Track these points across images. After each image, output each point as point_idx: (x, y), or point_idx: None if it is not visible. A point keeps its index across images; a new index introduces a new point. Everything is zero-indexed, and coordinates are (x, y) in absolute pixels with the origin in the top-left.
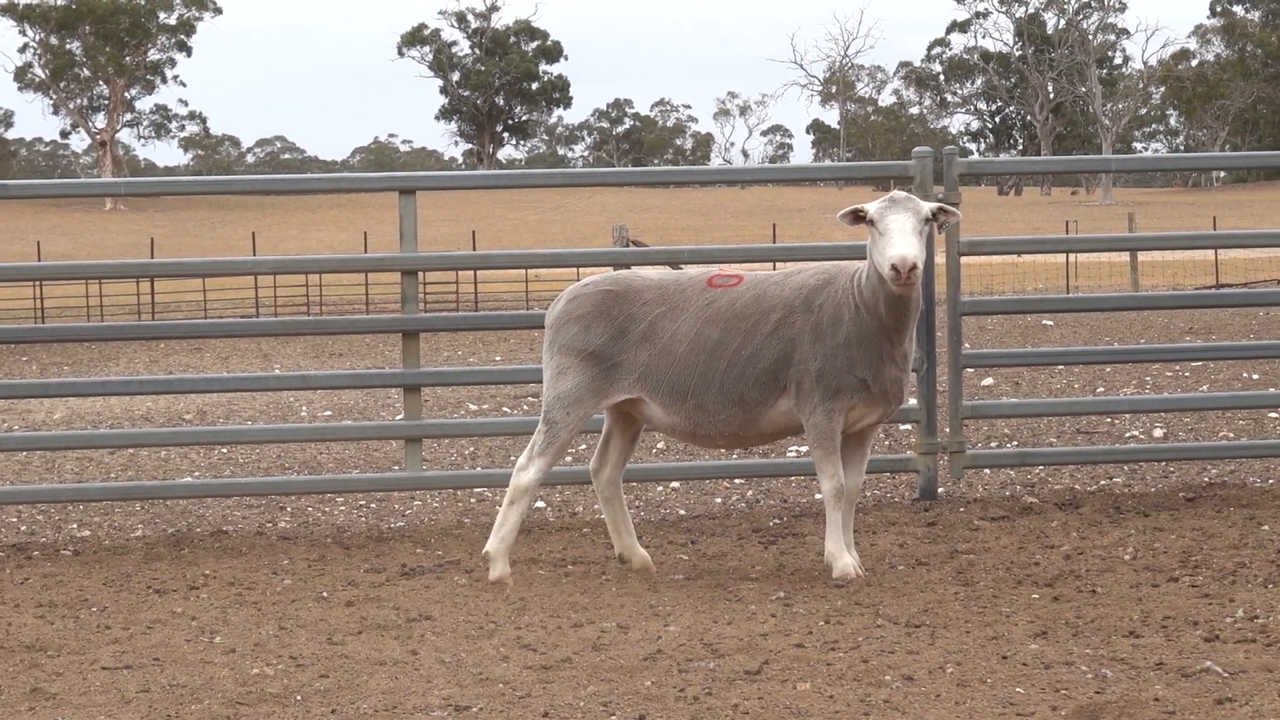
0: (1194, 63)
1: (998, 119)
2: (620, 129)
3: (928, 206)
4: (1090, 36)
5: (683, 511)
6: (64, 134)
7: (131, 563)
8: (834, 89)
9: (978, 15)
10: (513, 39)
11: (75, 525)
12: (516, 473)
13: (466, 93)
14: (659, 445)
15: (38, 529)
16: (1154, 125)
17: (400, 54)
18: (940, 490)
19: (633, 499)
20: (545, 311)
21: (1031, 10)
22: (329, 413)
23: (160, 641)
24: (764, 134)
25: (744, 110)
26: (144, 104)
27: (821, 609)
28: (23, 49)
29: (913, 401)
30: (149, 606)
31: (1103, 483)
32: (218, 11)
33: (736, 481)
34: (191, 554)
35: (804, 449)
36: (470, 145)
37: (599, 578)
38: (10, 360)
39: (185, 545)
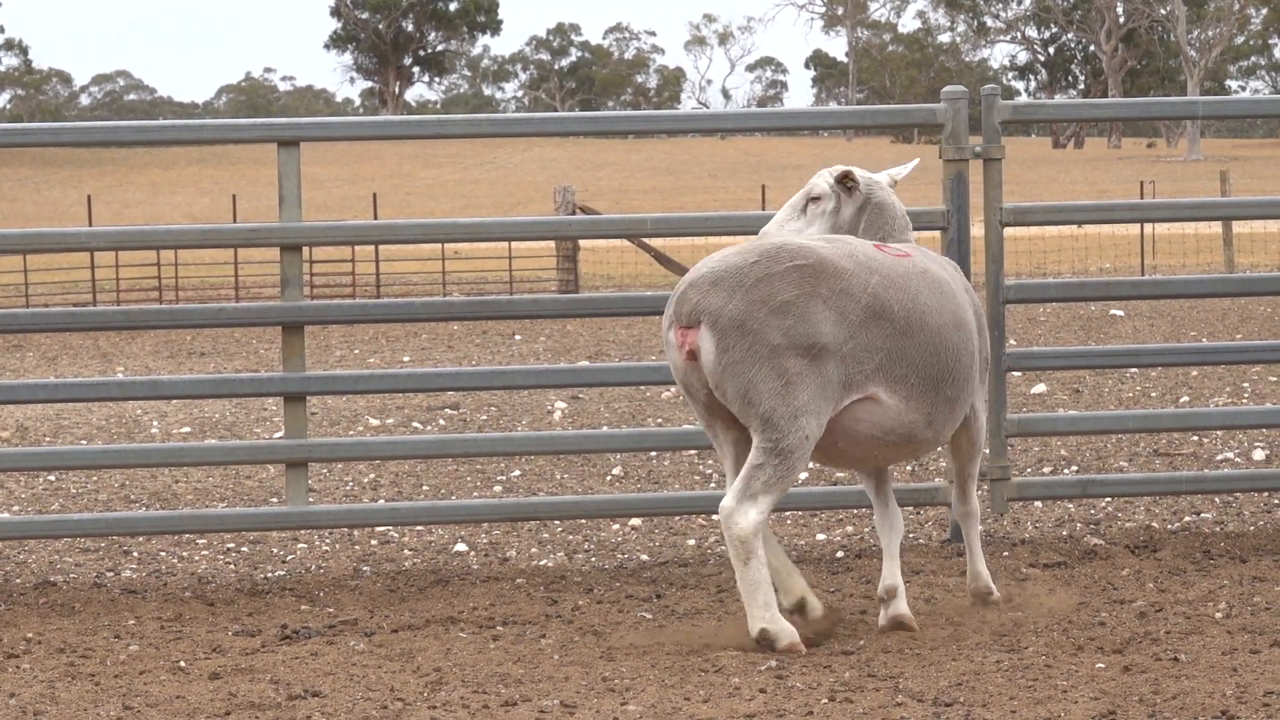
0: None
1: (1051, 50)
2: (564, 62)
3: (821, 181)
4: None
5: (645, 557)
6: None
7: None
8: (841, 11)
9: None
10: None
11: None
12: (730, 522)
13: (365, 15)
14: (614, 471)
15: None
16: (1253, 58)
17: None
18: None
19: (579, 540)
20: (468, 299)
21: None
22: (187, 429)
23: None
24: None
25: (724, 38)
26: None
27: (824, 682)
28: None
29: None
30: None
31: (1187, 519)
32: None
33: (714, 518)
34: (10, 611)
35: (802, 477)
36: (370, 83)
37: (536, 641)
38: None
39: (2, 600)
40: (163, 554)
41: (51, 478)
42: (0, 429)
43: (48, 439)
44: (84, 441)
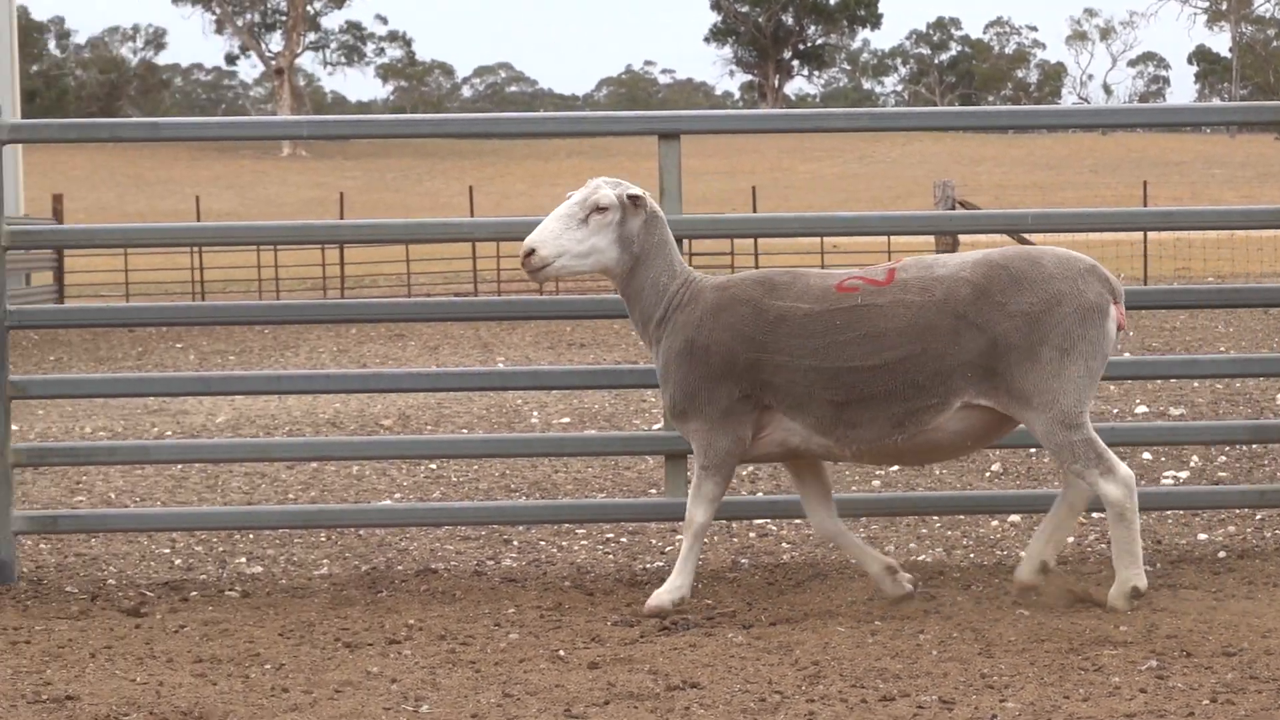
0: None
1: None
2: (944, 56)
3: (610, 192)
4: None
5: (1024, 554)
6: (230, 59)
7: (315, 608)
8: (1224, 6)
9: None
10: None
11: (243, 559)
12: (1112, 491)
13: (745, 8)
14: (993, 467)
15: (196, 563)
16: None
17: None
18: None
19: (957, 535)
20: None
21: None
22: (567, 419)
23: (352, 710)
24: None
25: (1105, 33)
26: (331, 21)
27: (1206, 683)
28: None
29: None
30: (337, 665)
31: None
32: None
33: (1095, 515)
34: (392, 598)
35: (1182, 476)
36: (749, 77)
37: (914, 637)
38: (162, 347)
39: (383, 587)
40: (542, 543)
41: (433, 466)
42: (383, 417)
43: (429, 427)
44: (465, 430)
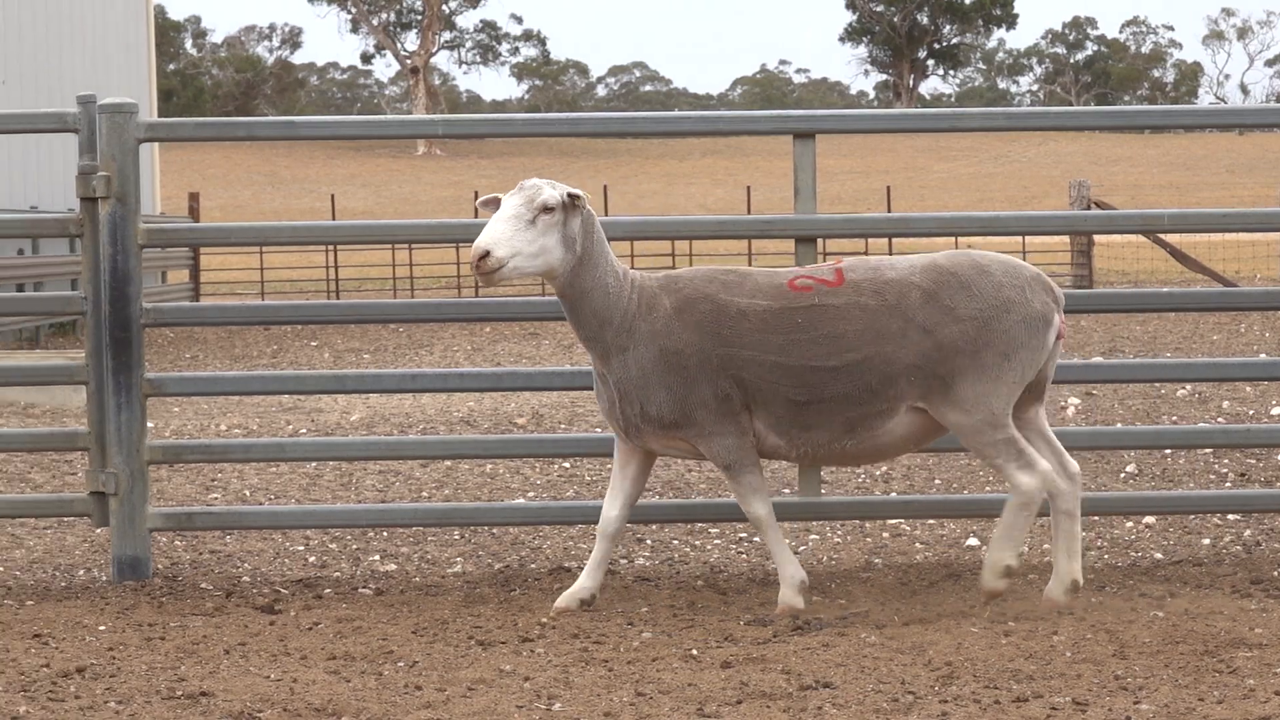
0: None
1: None
2: (1080, 56)
3: (554, 192)
4: None
5: (1159, 555)
6: (365, 58)
7: (448, 606)
8: None
9: None
10: None
11: (377, 557)
12: (1026, 481)
13: (880, 8)
14: (1128, 468)
15: (330, 560)
16: None
17: None
18: None
19: (1091, 536)
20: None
21: None
22: None
23: (485, 708)
24: (1269, 64)
25: (1243, 33)
26: (466, 20)
27: None
28: None
29: None
30: (470, 662)
31: None
32: None
33: (1230, 517)
34: (525, 596)
35: None
36: (884, 76)
37: (1048, 638)
38: (297, 345)
39: (516, 585)
40: (675, 542)
41: (566, 464)
42: (516, 416)
43: (562, 426)
44: (598, 429)
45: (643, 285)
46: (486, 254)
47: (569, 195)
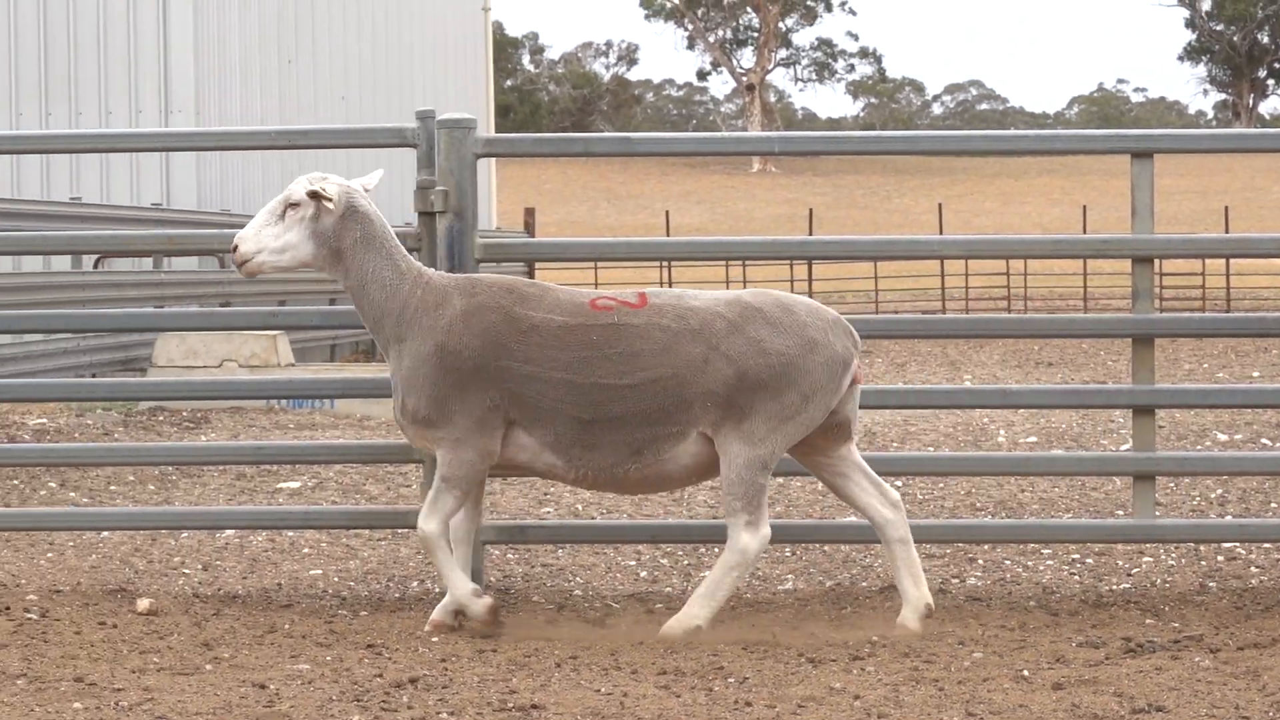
0: None
1: None
2: None
3: (298, 189)
4: None
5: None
6: (701, 75)
7: (779, 623)
8: None
9: None
10: None
11: (708, 572)
12: (748, 541)
13: (1219, 27)
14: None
15: (661, 575)
16: None
17: None
18: None
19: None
20: None
21: None
22: (1033, 439)
23: None
24: None
25: None
26: (802, 38)
27: None
28: None
29: None
30: (800, 679)
31: None
32: None
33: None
34: (855, 614)
35: None
36: (1223, 95)
37: None
38: None
39: (847, 603)
40: (1007, 562)
41: (899, 483)
42: None
43: (895, 444)
44: (930, 448)
45: (433, 283)
46: (236, 247)
47: (308, 193)
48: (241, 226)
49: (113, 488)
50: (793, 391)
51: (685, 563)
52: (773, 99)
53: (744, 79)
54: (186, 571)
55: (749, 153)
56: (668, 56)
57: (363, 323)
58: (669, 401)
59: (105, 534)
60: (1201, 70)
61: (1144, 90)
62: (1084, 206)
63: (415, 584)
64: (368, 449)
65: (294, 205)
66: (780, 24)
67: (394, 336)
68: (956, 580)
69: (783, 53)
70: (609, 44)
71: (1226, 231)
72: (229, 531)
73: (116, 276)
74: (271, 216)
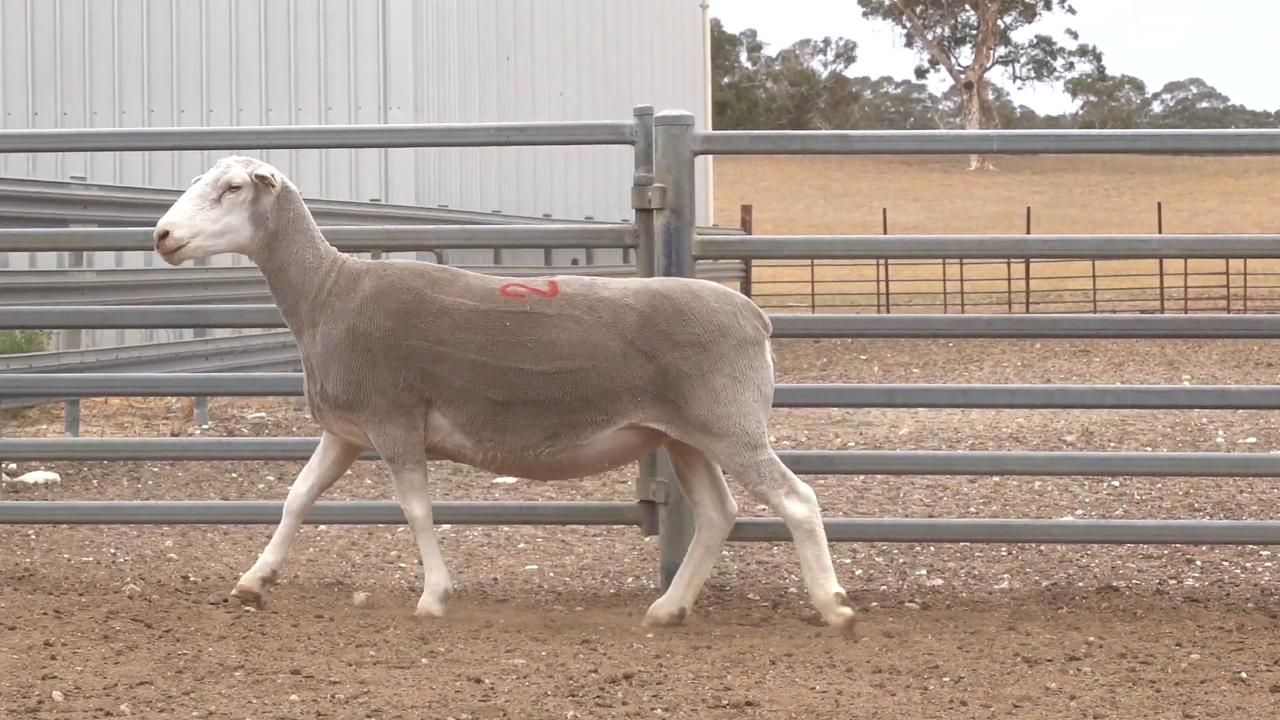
0: None
1: None
2: None
3: (241, 171)
4: None
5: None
6: (919, 72)
7: (995, 622)
8: None
9: None
10: None
11: (924, 572)
12: (797, 510)
13: None
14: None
15: (876, 574)
16: None
17: None
18: None
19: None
20: None
21: None
22: (1253, 439)
23: None
24: None
25: None
26: (1021, 35)
27: None
28: None
29: None
30: (1016, 679)
31: None
32: None
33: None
34: (1072, 614)
35: None
36: None
37: None
38: (846, 358)
39: (1064, 603)
40: (1225, 564)
41: (1116, 483)
42: (1066, 433)
43: (1112, 444)
44: (1148, 448)
45: (346, 266)
46: (166, 234)
47: (256, 175)
48: (458, 222)
49: None
50: (720, 376)
51: (900, 561)
52: (991, 97)
53: (962, 77)
54: (403, 565)
55: (967, 150)
56: (885, 54)
57: (277, 304)
58: (591, 392)
59: (322, 527)
60: None
61: None
62: None
63: (630, 580)
64: None
65: (234, 189)
66: (999, 21)
67: (308, 321)
68: (1174, 581)
69: (1001, 50)
70: (827, 41)
71: None
72: (445, 526)
73: None
74: (205, 201)
